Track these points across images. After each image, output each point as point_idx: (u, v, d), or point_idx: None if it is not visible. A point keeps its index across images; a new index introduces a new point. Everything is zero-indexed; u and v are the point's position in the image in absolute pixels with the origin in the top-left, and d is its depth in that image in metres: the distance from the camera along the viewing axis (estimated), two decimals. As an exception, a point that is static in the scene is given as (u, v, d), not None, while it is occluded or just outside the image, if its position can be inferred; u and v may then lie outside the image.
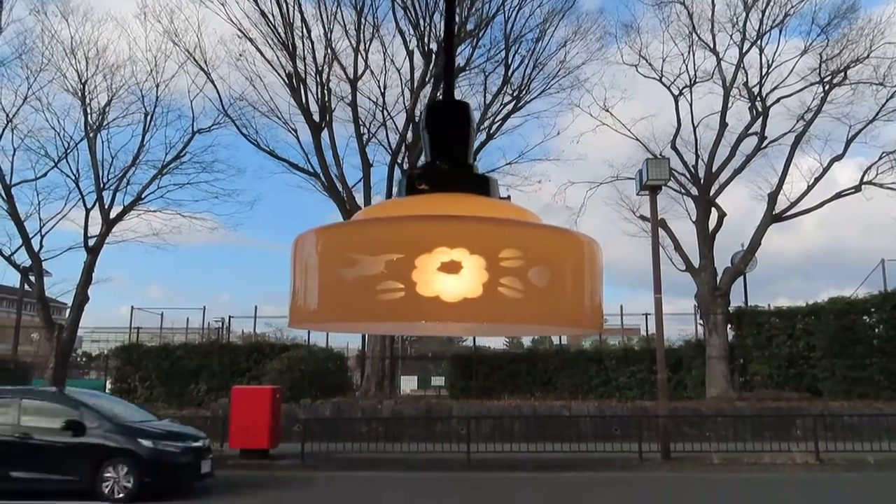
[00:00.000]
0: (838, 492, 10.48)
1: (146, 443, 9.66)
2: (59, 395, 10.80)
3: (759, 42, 18.36)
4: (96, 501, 9.30)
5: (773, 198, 18.06)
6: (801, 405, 15.13)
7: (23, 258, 19.79)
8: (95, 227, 20.01)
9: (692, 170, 18.78)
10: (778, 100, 18.39)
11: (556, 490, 10.50)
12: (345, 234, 0.65)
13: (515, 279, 0.59)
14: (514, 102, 19.60)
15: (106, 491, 9.36)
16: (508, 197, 0.74)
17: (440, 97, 0.77)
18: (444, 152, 0.75)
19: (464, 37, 18.12)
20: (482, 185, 0.72)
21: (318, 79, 18.55)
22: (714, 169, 18.49)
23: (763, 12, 18.25)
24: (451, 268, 0.58)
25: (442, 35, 18.17)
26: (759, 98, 18.36)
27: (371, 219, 0.68)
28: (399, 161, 18.90)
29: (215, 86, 19.43)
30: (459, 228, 0.60)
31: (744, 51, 18.35)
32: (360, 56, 18.46)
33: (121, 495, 9.33)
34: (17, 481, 9.54)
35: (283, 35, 18.28)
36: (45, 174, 20.21)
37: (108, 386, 20.98)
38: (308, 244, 0.66)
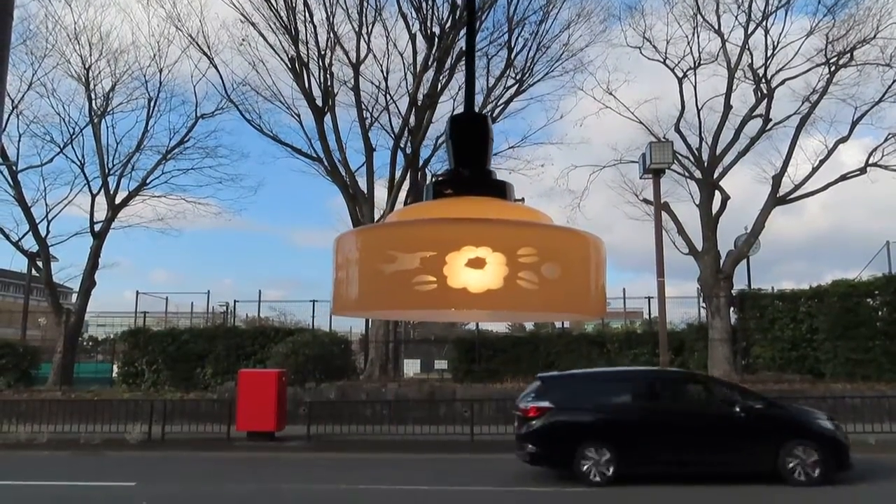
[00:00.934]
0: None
1: (826, 423, 9.34)
2: (708, 376, 10.74)
3: (764, 23, 18.27)
4: (781, 485, 8.89)
5: (777, 180, 18.05)
6: (803, 388, 15.22)
7: (30, 243, 19.96)
8: (101, 213, 20.16)
9: (696, 153, 18.77)
10: (783, 81, 18.33)
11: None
12: (384, 234, 0.75)
13: (531, 273, 0.69)
14: (516, 86, 19.57)
15: (796, 475, 8.91)
16: (522, 199, 0.82)
17: (462, 110, 0.85)
18: (466, 160, 0.85)
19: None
20: (500, 190, 0.82)
21: (321, 63, 18.54)
22: (718, 152, 18.47)
23: (769, -8, 18.12)
24: (477, 263, 0.67)
25: (444, 20, 18.10)
26: (763, 80, 18.28)
27: (407, 221, 0.78)
28: (402, 145, 18.92)
29: (218, 71, 19.48)
30: (484, 230, 0.69)
31: (749, 32, 18.25)
32: (362, 40, 18.44)
33: (817, 473, 8.84)
34: (693, 465, 9.29)
35: (285, 19, 18.25)
36: (50, 160, 20.36)
37: (116, 369, 21.22)
38: (349, 242, 0.76)
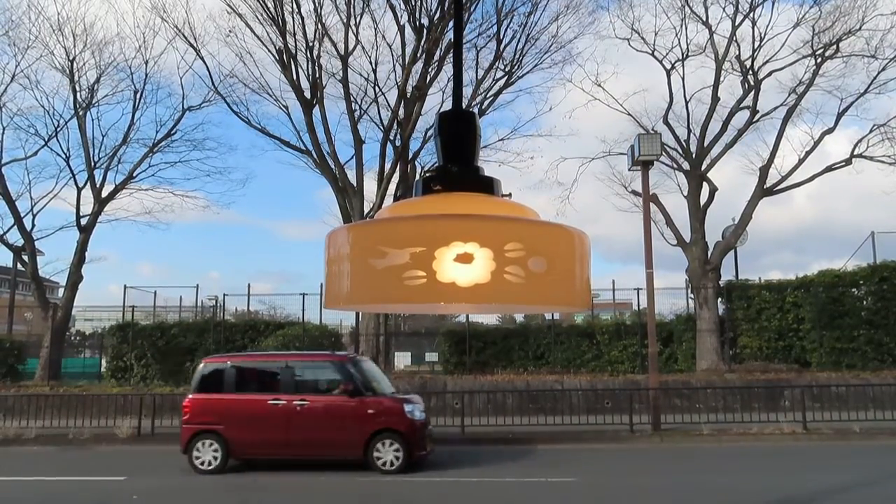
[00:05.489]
0: (825, 460, 10.74)
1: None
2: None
3: (751, 14, 18.36)
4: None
5: (764, 172, 18.19)
6: (789, 377, 15.40)
7: (15, 237, 19.79)
8: (87, 206, 20.00)
9: (684, 144, 18.87)
10: (770, 73, 18.45)
11: (550, 461, 10.72)
12: (375, 230, 0.77)
13: (518, 267, 0.71)
14: (505, 77, 19.55)
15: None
16: (510, 194, 0.84)
17: (450, 108, 0.87)
18: (454, 156, 0.87)
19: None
20: (488, 186, 0.84)
21: (309, 55, 18.43)
22: (706, 143, 18.58)
23: (756, -17, 18.19)
24: (465, 258, 0.70)
25: (433, 11, 18.03)
26: (751, 71, 18.38)
27: (397, 217, 0.80)
28: (391, 138, 18.87)
29: (205, 62, 19.33)
30: (472, 225, 0.72)
31: (736, 23, 18.35)
32: (350, 31, 18.34)
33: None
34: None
35: (272, 10, 18.11)
36: (35, 153, 20.18)
37: (104, 364, 21.11)
38: (341, 238, 0.78)
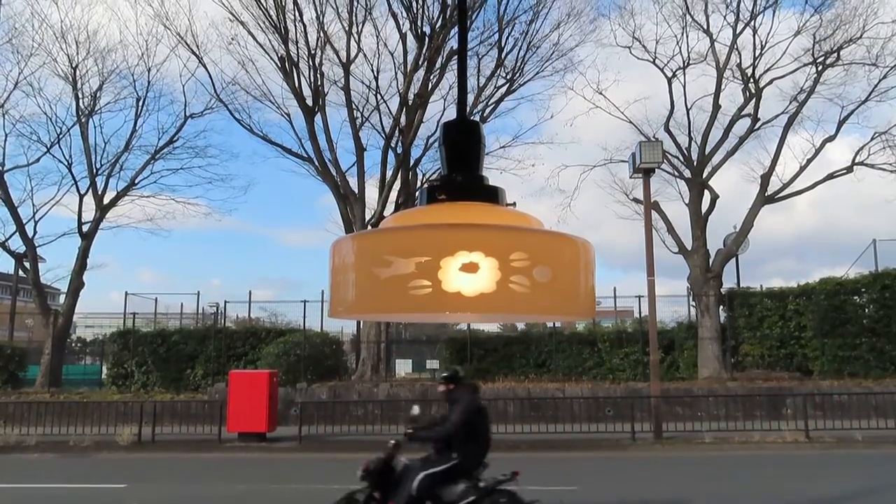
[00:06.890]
0: (827, 469, 10.69)
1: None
2: None
3: (752, 23, 18.42)
4: None
5: (765, 179, 18.20)
6: (791, 385, 15.36)
7: (17, 244, 19.82)
8: (89, 213, 20.05)
9: (685, 152, 18.88)
10: (771, 81, 18.49)
11: (552, 470, 10.67)
12: (380, 239, 0.77)
13: (523, 277, 0.71)
14: (507, 85, 19.61)
15: None
16: (514, 203, 0.84)
17: (454, 114, 0.87)
18: (459, 166, 0.87)
19: (456, 20, 18.04)
20: (492, 195, 0.84)
21: (311, 62, 18.49)
22: (707, 151, 18.59)
23: (756, -8, 18.25)
24: (470, 268, 0.70)
25: (434, 19, 18.10)
26: (752, 79, 18.42)
27: (402, 226, 0.80)
28: (392, 145, 18.91)
29: (207, 70, 19.42)
30: (477, 235, 0.72)
31: (737, 32, 18.41)
32: (352, 39, 18.41)
33: None
34: None
35: (274, 18, 18.19)
36: (37, 160, 20.26)
37: (105, 371, 21.08)
38: (346, 247, 0.78)
